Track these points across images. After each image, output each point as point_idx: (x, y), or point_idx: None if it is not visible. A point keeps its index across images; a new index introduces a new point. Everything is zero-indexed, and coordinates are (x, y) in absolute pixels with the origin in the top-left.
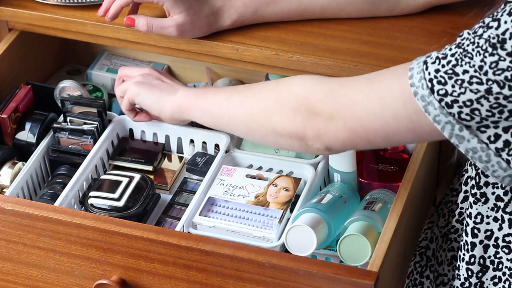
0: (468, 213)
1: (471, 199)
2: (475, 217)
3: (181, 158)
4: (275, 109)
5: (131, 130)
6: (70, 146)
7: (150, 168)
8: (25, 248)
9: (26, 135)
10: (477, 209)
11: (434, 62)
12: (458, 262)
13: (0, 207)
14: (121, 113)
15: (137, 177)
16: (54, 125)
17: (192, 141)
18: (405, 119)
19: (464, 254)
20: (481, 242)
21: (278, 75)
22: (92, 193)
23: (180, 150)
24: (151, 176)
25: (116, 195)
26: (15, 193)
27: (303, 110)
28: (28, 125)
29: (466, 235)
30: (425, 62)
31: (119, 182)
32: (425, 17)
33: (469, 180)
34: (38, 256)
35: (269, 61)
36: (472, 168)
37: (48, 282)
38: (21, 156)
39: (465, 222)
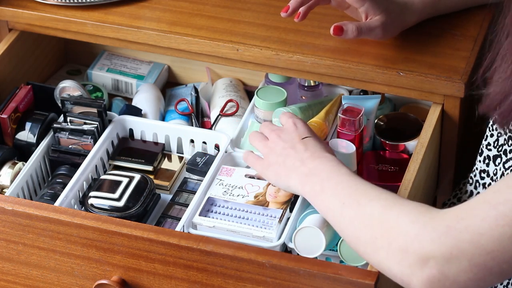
0: None
1: None
2: None
3: (181, 158)
4: (382, 244)
5: (131, 130)
6: (70, 146)
7: (150, 168)
8: (25, 248)
9: (26, 135)
10: None
11: None
12: None
13: (0, 207)
14: (121, 113)
15: (137, 177)
16: (54, 125)
17: (192, 141)
18: None
19: None
20: None
21: (278, 75)
22: (92, 193)
23: (180, 150)
24: (151, 176)
25: (116, 195)
26: (15, 193)
27: (411, 253)
28: (28, 125)
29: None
30: None
31: (119, 182)
32: None
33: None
34: (38, 256)
35: (269, 61)
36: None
37: (48, 282)
38: (21, 156)
39: None
